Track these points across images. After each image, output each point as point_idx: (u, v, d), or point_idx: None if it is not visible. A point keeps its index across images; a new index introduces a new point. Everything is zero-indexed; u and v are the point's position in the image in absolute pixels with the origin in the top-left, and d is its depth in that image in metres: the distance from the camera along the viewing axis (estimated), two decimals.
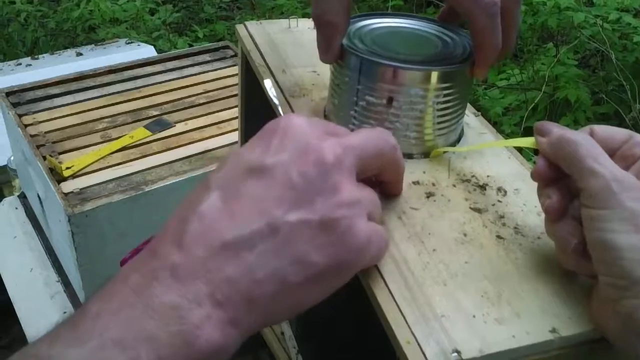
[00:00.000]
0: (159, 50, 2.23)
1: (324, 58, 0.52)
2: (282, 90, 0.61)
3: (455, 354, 0.38)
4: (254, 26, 0.72)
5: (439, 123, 0.53)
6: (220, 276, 0.36)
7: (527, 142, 0.46)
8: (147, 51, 2.01)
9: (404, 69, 0.50)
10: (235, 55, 1.56)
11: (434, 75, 0.50)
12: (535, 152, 0.43)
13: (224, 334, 0.36)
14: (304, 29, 0.73)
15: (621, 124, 2.16)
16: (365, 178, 0.43)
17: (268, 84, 0.62)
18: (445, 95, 0.51)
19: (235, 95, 1.40)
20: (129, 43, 2.17)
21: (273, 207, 0.37)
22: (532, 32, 2.67)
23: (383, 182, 0.46)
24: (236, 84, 1.42)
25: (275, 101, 0.60)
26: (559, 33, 2.61)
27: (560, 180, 0.42)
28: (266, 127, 0.41)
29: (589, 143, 0.40)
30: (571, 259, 0.41)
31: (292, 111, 0.58)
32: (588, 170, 0.39)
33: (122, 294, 0.36)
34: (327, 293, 0.40)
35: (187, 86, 1.43)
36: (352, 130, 0.52)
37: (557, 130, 0.43)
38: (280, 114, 0.61)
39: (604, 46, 2.24)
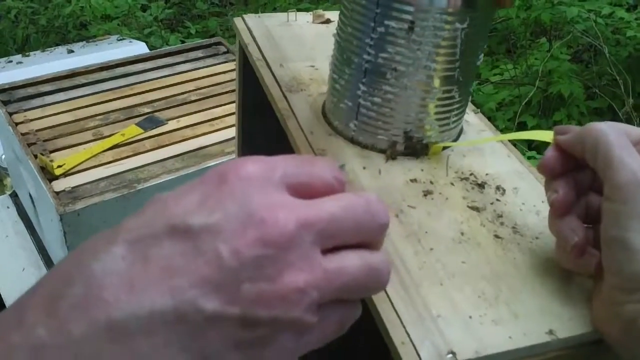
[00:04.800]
0: (150, 47, 2.22)
1: None
2: (279, 85, 0.60)
3: (451, 355, 0.37)
4: (252, 19, 0.71)
5: (461, 54, 0.49)
6: None
7: (542, 135, 0.44)
8: (139, 48, 2.00)
9: None
10: (228, 51, 1.55)
11: None
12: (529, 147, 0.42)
13: None
14: (303, 22, 0.72)
15: (614, 118, 2.17)
16: None
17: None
18: (470, 22, 0.47)
19: (228, 92, 1.40)
20: (120, 40, 2.15)
21: (187, 285, 0.28)
22: (525, 27, 2.67)
23: None
24: (228, 81, 1.42)
25: None
26: (552, 28, 2.61)
27: (568, 174, 0.41)
28: (208, 173, 0.32)
29: (617, 133, 0.38)
30: (570, 257, 0.41)
31: (289, 106, 0.57)
32: (616, 160, 0.37)
33: None
34: None
35: (179, 83, 1.43)
36: (366, 62, 0.49)
37: (578, 128, 0.41)
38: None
39: (597, 41, 2.24)
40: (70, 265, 0.30)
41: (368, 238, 0.33)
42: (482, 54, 0.52)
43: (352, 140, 0.53)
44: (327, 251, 0.31)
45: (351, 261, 0.31)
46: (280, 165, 0.32)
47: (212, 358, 0.29)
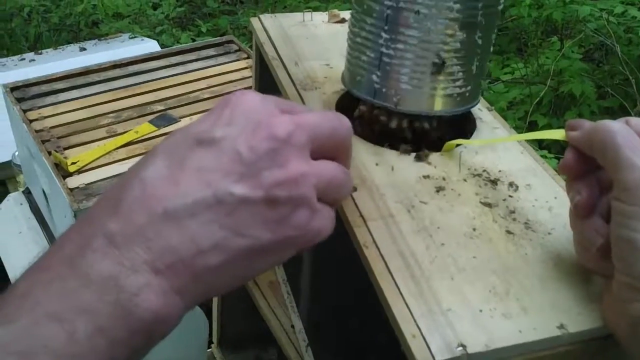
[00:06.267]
0: (162, 45, 2.23)
1: None
2: (294, 83, 0.61)
3: (461, 348, 0.37)
4: (268, 19, 0.72)
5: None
6: (161, 244, 0.35)
7: (556, 134, 0.44)
8: (151, 46, 2.01)
9: None
10: (240, 49, 1.56)
11: None
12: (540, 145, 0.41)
13: (166, 302, 0.35)
14: (318, 22, 0.73)
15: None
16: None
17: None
18: None
19: (240, 90, 1.41)
20: (132, 38, 2.17)
21: (219, 178, 0.36)
22: (537, 26, 2.66)
23: None
24: (240, 79, 1.43)
25: None
26: (564, 27, 2.60)
27: (589, 174, 0.41)
28: (218, 103, 0.40)
29: (627, 132, 0.38)
30: (593, 258, 0.40)
31: (304, 104, 0.58)
32: (624, 161, 0.36)
33: (55, 266, 0.35)
34: (272, 265, 0.40)
35: (191, 81, 1.43)
36: (387, 9, 0.50)
37: (589, 124, 0.41)
38: None
39: (609, 40, 2.23)
40: (124, 179, 0.37)
41: (340, 140, 0.42)
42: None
43: (375, 95, 0.54)
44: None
45: (330, 164, 0.40)
46: (270, 96, 0.41)
47: (246, 234, 0.36)
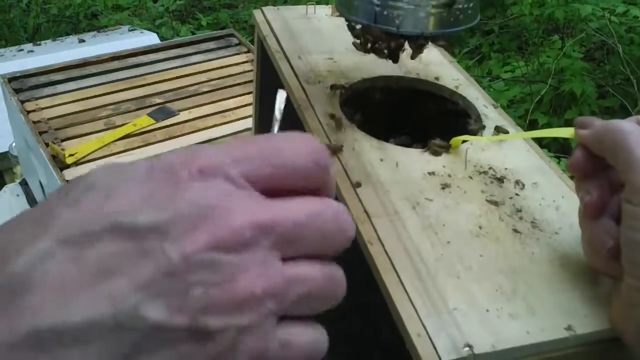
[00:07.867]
0: (161, 38, 2.22)
1: None
2: (297, 76, 0.60)
3: (467, 348, 0.37)
4: (271, 12, 0.71)
5: None
6: None
7: (564, 132, 0.43)
8: (150, 38, 2.00)
9: None
10: (240, 43, 1.55)
11: None
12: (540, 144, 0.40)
13: None
14: (322, 15, 0.72)
15: (626, 117, 2.15)
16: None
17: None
18: None
19: (240, 83, 1.40)
20: (131, 30, 2.16)
21: (129, 290, 0.24)
22: (538, 24, 2.66)
23: None
24: (240, 73, 1.42)
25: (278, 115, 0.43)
26: (565, 25, 2.60)
27: (599, 173, 0.40)
28: (157, 165, 0.27)
29: (639, 132, 0.37)
30: (602, 260, 0.40)
31: (307, 97, 0.57)
32: (636, 163, 0.36)
33: None
34: None
35: (191, 74, 1.42)
36: None
37: (600, 122, 0.40)
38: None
39: (611, 39, 2.23)
40: (8, 264, 0.25)
41: (331, 250, 0.29)
42: None
43: (376, 18, 0.51)
44: (286, 259, 0.27)
45: (312, 269, 0.28)
46: (240, 155, 0.27)
47: None
